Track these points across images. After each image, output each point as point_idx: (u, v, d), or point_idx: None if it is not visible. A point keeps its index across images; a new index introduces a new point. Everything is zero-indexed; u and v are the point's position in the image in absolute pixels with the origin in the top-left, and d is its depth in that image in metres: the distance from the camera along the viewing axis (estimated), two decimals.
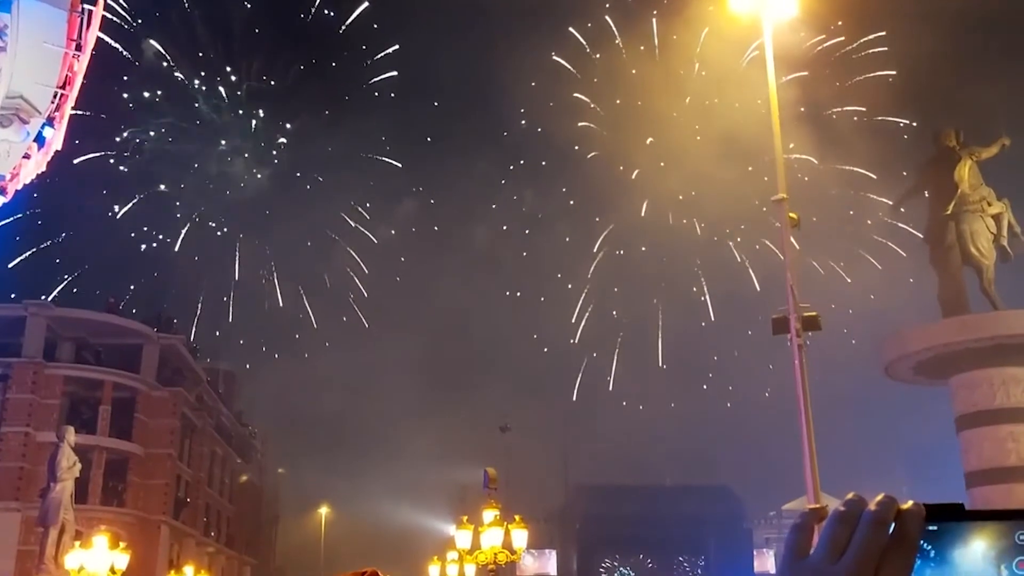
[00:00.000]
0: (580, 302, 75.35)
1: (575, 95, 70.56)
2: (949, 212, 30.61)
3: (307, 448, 74.08)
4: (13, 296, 50.59)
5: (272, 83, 67.93)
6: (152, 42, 62.69)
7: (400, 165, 72.98)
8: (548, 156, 74.50)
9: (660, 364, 74.17)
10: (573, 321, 75.37)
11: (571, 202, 76.04)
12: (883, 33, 64.14)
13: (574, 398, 75.83)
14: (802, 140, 56.47)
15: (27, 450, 45.68)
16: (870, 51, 65.19)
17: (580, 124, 70.87)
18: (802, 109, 59.53)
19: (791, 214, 16.65)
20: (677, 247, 72.55)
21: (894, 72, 63.93)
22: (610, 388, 75.47)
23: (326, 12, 69.40)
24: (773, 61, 17.71)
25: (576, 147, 71.36)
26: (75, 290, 60.16)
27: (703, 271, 72.78)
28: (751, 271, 68.10)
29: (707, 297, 72.86)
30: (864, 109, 64.97)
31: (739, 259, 70.10)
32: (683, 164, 65.63)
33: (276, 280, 70.81)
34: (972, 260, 30.39)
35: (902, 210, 34.68)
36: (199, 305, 66.41)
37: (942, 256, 31.03)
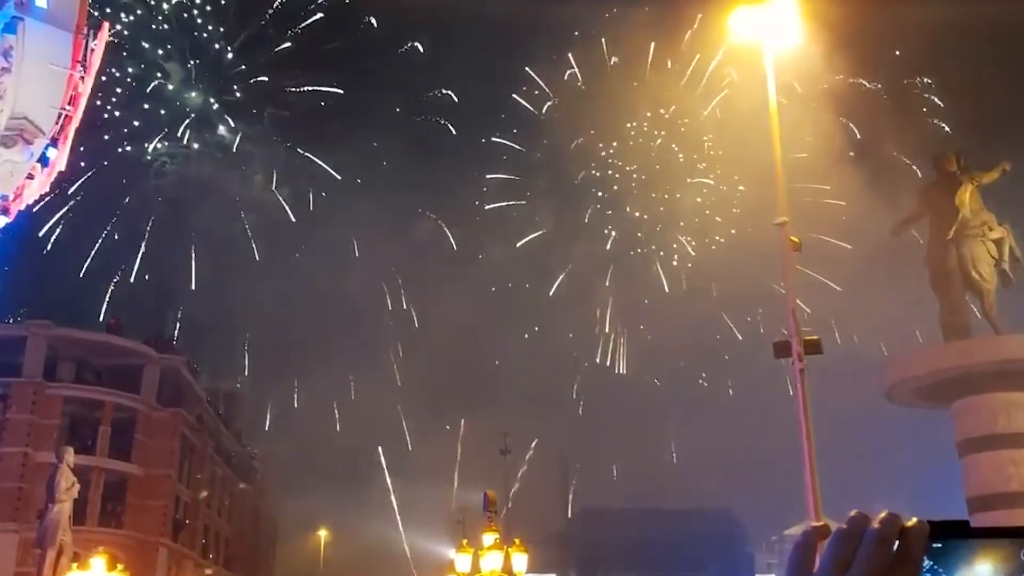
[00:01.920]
0: (585, 322, 75.30)
1: (580, 141, 70.84)
2: (950, 237, 30.59)
3: (307, 470, 73.86)
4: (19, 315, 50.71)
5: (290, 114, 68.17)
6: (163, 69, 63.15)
7: (450, 235, 73.01)
8: (564, 187, 74.86)
9: (664, 388, 73.90)
10: (574, 341, 75.29)
11: (585, 220, 76.01)
12: (929, 81, 63.90)
13: (577, 418, 75.68)
14: (847, 181, 55.97)
15: (25, 470, 45.49)
16: (919, 93, 65.20)
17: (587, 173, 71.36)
18: (851, 153, 59.40)
19: (792, 238, 16.65)
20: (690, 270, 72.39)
21: (948, 129, 63.39)
22: (614, 405, 75.31)
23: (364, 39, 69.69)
24: (776, 92, 17.77)
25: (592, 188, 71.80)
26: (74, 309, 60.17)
27: (714, 293, 72.46)
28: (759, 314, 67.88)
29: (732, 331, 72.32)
30: (909, 162, 64.39)
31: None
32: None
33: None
34: (973, 285, 30.35)
35: (917, 236, 34.62)
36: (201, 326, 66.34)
37: (943, 281, 30.99)
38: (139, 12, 62.06)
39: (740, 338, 64.79)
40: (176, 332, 61.00)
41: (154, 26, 62.61)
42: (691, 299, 72.54)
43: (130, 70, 62.22)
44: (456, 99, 74.27)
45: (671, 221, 72.34)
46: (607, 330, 75.93)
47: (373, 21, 69.99)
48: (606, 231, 76.59)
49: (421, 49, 72.47)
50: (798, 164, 58.04)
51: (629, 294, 75.94)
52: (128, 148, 63.50)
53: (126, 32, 59.20)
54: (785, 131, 17.94)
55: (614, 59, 69.87)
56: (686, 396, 74.76)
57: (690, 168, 70.18)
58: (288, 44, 65.82)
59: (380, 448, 75.58)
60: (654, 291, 74.37)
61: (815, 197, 60.86)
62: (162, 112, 64.50)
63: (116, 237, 67.53)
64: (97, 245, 66.78)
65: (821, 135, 57.79)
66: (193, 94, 64.61)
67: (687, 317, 71.36)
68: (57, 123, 19.87)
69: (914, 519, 1.14)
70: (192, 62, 63.06)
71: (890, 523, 1.12)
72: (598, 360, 75.70)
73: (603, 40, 69.99)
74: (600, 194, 74.99)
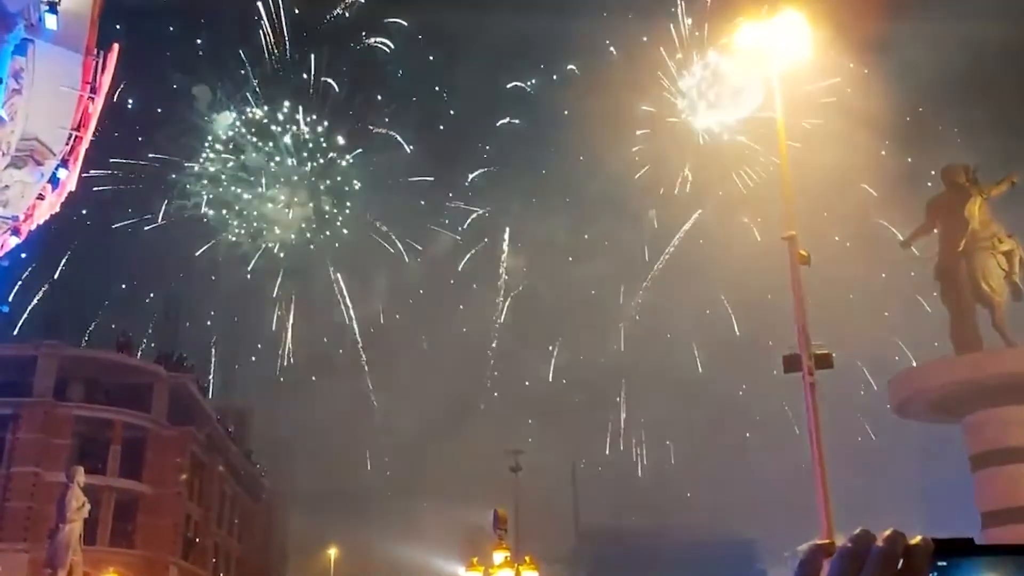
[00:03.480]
0: (596, 341, 74.50)
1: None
2: (960, 249, 30.52)
3: (316, 487, 73.85)
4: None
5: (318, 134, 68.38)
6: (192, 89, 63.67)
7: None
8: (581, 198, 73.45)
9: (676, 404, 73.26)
10: (585, 361, 74.84)
11: (605, 243, 74.44)
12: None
13: (587, 437, 75.27)
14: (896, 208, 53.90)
15: (36, 490, 45.54)
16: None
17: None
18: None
19: (801, 251, 16.65)
20: (704, 294, 70.64)
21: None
22: (623, 424, 74.75)
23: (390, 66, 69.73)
24: (782, 105, 17.81)
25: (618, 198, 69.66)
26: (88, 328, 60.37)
27: (728, 318, 70.50)
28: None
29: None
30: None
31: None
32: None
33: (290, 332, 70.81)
34: (984, 297, 30.24)
35: (915, 252, 34.55)
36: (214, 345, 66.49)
37: (954, 293, 30.89)
38: (166, 30, 62.88)
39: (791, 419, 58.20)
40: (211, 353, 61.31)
41: (184, 49, 63.42)
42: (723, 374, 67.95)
43: (154, 91, 62.79)
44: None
45: (704, 281, 66.72)
46: (622, 426, 72.60)
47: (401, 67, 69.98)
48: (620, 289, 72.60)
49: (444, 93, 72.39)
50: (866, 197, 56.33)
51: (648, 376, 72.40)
52: (153, 168, 63.87)
53: (150, 51, 59.83)
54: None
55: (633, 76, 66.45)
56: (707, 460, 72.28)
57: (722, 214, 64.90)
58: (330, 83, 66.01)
59: (389, 465, 75.51)
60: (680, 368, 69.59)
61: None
62: (187, 135, 65.02)
63: (132, 258, 67.90)
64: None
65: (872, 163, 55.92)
66: (222, 116, 65.12)
67: (698, 340, 69.30)
68: (67, 144, 19.99)
69: (918, 536, 1.14)
70: (220, 84, 63.59)
71: (895, 541, 1.12)
72: (608, 452, 73.09)
73: (612, 50, 68.22)
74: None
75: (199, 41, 65.89)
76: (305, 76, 65.67)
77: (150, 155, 63.04)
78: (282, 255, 70.38)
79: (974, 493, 28.68)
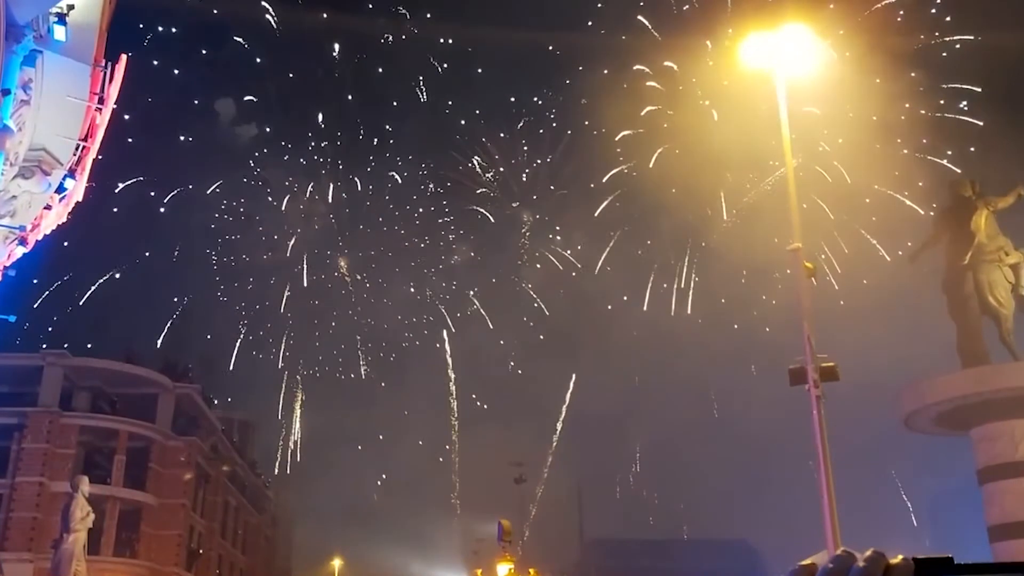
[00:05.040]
0: (611, 367, 74.28)
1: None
2: (966, 262, 30.46)
3: (320, 499, 73.80)
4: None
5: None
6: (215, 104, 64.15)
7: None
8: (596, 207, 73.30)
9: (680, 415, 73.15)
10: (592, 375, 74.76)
11: (627, 270, 74.08)
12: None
13: (592, 447, 75.11)
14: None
15: (41, 500, 45.54)
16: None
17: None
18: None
19: (806, 263, 16.63)
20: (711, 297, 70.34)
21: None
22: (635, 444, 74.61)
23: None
24: (788, 115, 17.81)
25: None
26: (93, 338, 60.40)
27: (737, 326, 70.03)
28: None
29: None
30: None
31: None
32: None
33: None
34: (990, 310, 30.17)
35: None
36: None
37: (960, 306, 30.81)
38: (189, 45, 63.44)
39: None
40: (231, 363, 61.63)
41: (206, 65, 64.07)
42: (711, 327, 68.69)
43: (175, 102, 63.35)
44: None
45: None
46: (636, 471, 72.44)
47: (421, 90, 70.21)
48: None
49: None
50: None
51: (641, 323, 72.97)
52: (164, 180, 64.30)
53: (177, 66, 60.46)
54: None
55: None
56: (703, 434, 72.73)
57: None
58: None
59: (394, 475, 75.41)
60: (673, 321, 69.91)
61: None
62: (206, 149, 65.62)
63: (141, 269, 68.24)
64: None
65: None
66: (242, 129, 65.67)
67: (705, 344, 69.12)
68: (74, 154, 20.05)
69: (899, 556, 1.14)
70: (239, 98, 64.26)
71: (875, 562, 1.12)
72: (618, 495, 73.10)
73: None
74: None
75: (206, 51, 66.41)
76: (323, 114, 66.16)
77: (159, 167, 63.42)
78: (294, 273, 70.66)
79: (982, 506, 28.57)
